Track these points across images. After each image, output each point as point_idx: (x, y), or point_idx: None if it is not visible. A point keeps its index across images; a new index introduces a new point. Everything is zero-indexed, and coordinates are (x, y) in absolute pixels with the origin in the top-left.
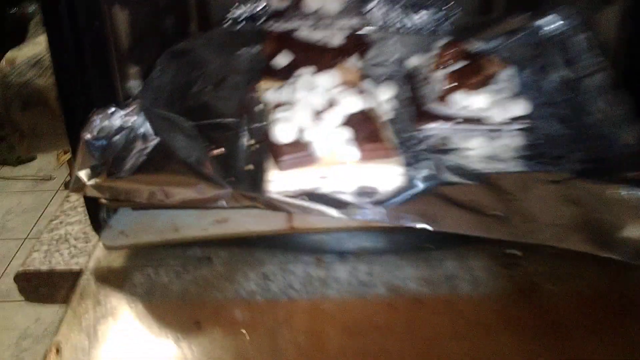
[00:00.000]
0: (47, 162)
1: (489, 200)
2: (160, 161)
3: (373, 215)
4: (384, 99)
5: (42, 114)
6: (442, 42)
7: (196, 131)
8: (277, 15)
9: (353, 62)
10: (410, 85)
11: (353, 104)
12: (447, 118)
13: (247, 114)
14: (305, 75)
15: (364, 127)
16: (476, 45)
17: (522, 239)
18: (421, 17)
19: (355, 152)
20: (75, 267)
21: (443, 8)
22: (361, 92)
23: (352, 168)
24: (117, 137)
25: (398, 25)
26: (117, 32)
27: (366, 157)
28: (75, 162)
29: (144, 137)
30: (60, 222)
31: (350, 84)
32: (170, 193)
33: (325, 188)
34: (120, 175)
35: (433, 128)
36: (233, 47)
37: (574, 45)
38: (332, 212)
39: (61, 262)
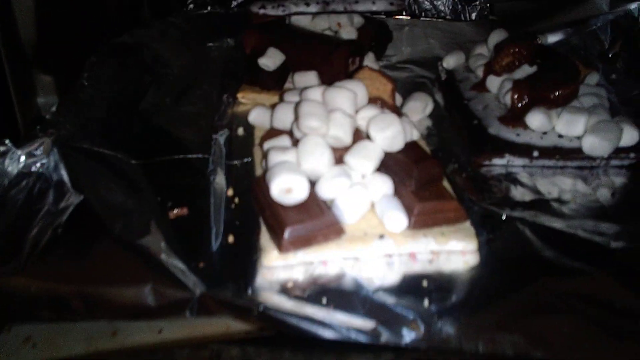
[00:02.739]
0: None
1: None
2: (80, 239)
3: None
4: (416, 118)
5: None
6: (496, 34)
7: (144, 177)
8: None
9: (371, 62)
10: (452, 96)
11: (393, 137)
12: (521, 149)
13: (221, 146)
14: (312, 90)
15: (409, 172)
16: (541, 40)
17: None
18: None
19: (402, 218)
20: None
21: None
22: (398, 113)
23: (403, 245)
24: (13, 192)
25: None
26: (11, 17)
27: (421, 224)
28: None
29: (58, 193)
30: None
31: (382, 102)
32: (96, 301)
33: (359, 283)
34: (11, 268)
35: (501, 164)
36: (200, 40)
37: None
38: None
39: None
